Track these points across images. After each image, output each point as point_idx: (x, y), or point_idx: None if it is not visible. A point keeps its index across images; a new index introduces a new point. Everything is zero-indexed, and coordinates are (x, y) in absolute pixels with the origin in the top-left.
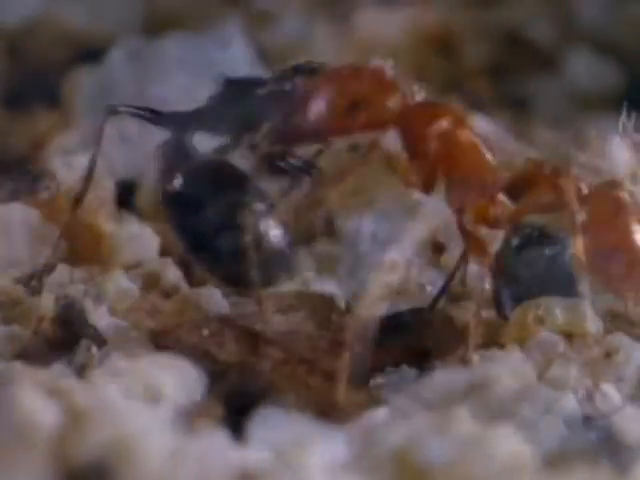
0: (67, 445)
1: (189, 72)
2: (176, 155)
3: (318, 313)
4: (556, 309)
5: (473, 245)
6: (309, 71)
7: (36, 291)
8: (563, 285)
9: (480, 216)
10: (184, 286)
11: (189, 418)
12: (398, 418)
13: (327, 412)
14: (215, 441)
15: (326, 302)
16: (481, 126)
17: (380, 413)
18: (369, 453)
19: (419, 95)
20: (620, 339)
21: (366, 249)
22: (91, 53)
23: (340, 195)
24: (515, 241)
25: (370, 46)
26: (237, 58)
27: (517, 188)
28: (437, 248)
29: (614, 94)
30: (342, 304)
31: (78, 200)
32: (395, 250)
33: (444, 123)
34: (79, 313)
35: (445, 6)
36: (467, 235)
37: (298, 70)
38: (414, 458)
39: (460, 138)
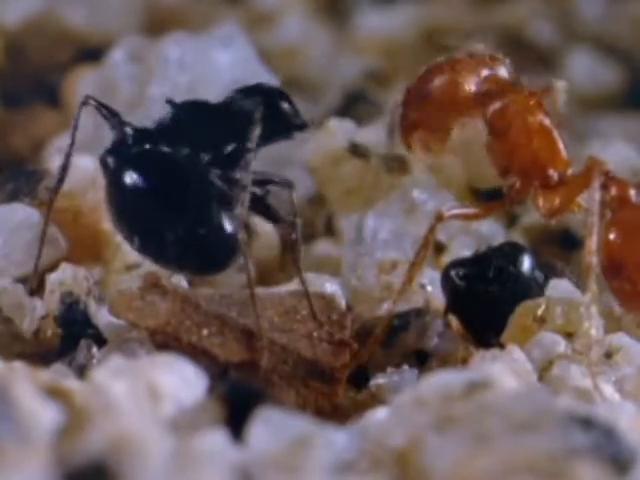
0: (67, 445)
1: (189, 72)
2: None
3: (318, 313)
4: (557, 309)
5: None
6: (262, 92)
7: (35, 291)
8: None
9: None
10: (184, 286)
11: (189, 418)
12: (398, 418)
13: (327, 412)
14: (215, 441)
15: (326, 302)
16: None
17: (380, 413)
18: (369, 453)
19: None
20: (620, 339)
21: (366, 249)
22: (91, 53)
23: (340, 195)
24: (458, 272)
25: (370, 46)
26: (237, 58)
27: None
28: (437, 248)
29: (615, 94)
30: (342, 304)
31: (55, 191)
32: (395, 250)
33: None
34: (82, 312)
35: (445, 6)
36: None
37: (250, 92)
38: (414, 458)
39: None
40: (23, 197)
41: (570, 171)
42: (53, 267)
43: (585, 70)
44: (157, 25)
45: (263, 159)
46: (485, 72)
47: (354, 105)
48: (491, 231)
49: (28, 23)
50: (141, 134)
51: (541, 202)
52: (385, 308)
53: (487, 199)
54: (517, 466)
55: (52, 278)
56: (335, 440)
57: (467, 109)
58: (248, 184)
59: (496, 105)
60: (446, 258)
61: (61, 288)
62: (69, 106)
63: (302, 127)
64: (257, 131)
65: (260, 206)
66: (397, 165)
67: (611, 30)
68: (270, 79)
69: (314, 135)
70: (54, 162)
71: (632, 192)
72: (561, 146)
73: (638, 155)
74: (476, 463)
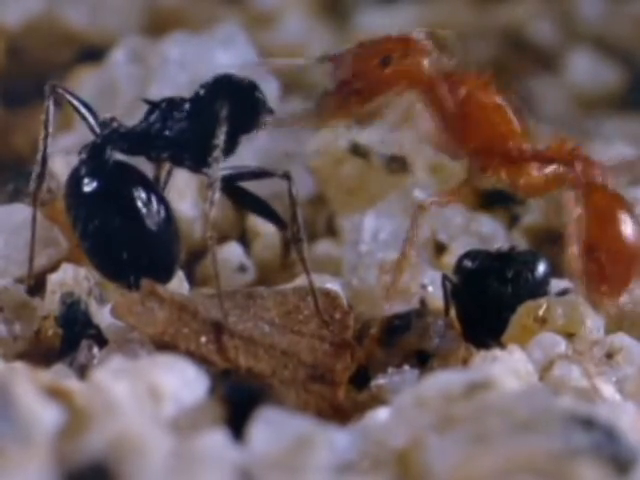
0: (67, 445)
1: (189, 72)
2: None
3: (321, 311)
4: (558, 309)
5: None
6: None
7: (32, 289)
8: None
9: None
10: (184, 288)
11: (189, 418)
12: (399, 418)
13: (327, 416)
14: (216, 441)
15: (330, 299)
16: None
17: (381, 413)
18: (370, 453)
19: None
20: (621, 339)
21: (367, 249)
22: (92, 53)
23: (341, 194)
24: (468, 264)
25: None
26: (237, 58)
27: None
28: (437, 248)
29: (615, 94)
30: (345, 303)
31: (36, 193)
32: (396, 250)
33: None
34: (83, 312)
35: (446, 6)
36: None
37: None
38: (415, 458)
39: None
40: (23, 197)
41: (531, 145)
42: (54, 267)
43: (585, 70)
44: (158, 25)
45: (263, 159)
46: (429, 55)
47: None
48: (492, 231)
49: (28, 23)
50: (114, 135)
51: (511, 177)
52: (385, 309)
53: (488, 199)
54: (518, 466)
55: (53, 278)
56: (336, 440)
57: (406, 88)
58: (217, 182)
59: (447, 85)
60: (447, 258)
61: (62, 288)
62: (69, 106)
63: (269, 112)
64: (223, 128)
65: (261, 208)
66: (398, 165)
67: (611, 30)
68: (270, 79)
69: (314, 135)
70: (54, 162)
71: (600, 172)
72: (515, 119)
73: (638, 155)
74: (477, 463)
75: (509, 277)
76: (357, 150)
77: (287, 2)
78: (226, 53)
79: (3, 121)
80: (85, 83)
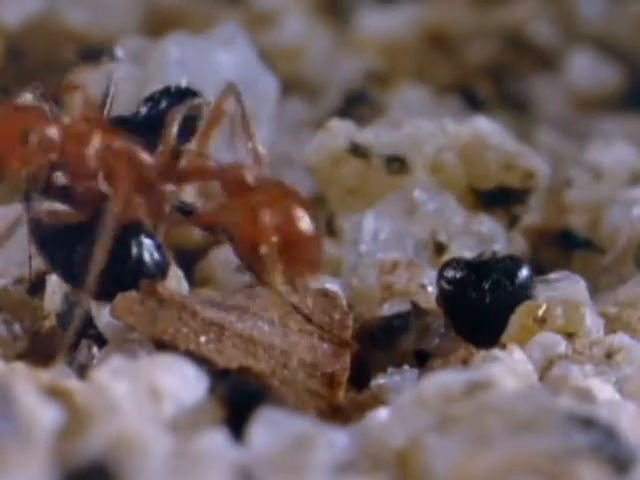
0: (67, 445)
1: (189, 72)
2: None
3: (320, 311)
4: (557, 309)
5: None
6: (179, 94)
7: (35, 290)
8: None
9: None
10: (184, 288)
11: (189, 418)
12: (399, 418)
13: (327, 416)
14: (215, 441)
15: (329, 300)
16: (481, 126)
17: (381, 413)
18: (370, 453)
19: None
20: (621, 339)
21: (367, 249)
22: (91, 53)
23: (341, 194)
24: (447, 275)
25: (370, 46)
26: (238, 59)
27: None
28: (437, 248)
29: (615, 94)
30: (344, 303)
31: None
32: (396, 250)
33: None
34: (84, 313)
35: (446, 6)
36: None
37: (167, 93)
38: (415, 458)
39: None
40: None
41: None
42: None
43: (585, 70)
44: (158, 25)
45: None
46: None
47: (354, 105)
48: (492, 231)
49: (28, 23)
50: None
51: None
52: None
53: (488, 199)
54: (517, 466)
55: (53, 278)
56: (336, 440)
57: None
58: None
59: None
60: (446, 258)
61: (62, 288)
62: (69, 106)
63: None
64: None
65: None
66: (398, 165)
67: (611, 30)
68: (270, 79)
69: (315, 135)
70: None
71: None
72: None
73: (638, 155)
74: (476, 463)
75: (486, 288)
76: (357, 150)
77: (287, 2)
78: (226, 53)
79: None
80: (85, 83)
